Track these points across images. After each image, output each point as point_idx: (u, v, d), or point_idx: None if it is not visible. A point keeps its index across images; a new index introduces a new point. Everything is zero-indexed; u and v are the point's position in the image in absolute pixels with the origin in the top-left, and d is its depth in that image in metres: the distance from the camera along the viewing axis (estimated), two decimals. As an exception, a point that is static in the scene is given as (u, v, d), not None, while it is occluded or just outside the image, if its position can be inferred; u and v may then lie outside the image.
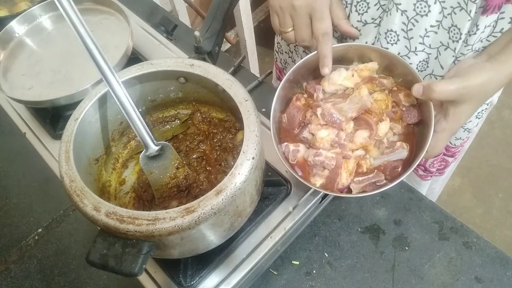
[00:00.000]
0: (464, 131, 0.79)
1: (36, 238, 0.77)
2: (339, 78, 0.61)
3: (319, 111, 0.59)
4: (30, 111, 0.89)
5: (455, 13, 0.57)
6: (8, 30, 0.91)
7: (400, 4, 0.58)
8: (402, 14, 0.59)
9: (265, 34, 2.45)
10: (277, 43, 0.82)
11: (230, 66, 0.94)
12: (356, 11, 0.63)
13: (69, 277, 0.72)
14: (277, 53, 0.86)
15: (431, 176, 0.92)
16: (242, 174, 0.47)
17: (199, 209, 0.45)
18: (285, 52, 0.81)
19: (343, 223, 0.73)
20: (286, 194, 0.68)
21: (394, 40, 0.64)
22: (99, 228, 0.47)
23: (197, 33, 0.64)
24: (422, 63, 0.67)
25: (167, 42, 0.97)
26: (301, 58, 0.77)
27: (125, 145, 0.67)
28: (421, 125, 0.59)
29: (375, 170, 0.58)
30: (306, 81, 0.66)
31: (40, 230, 0.77)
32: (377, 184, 0.57)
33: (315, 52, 0.61)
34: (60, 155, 0.51)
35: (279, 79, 0.91)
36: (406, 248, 0.70)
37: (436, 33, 0.61)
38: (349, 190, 0.58)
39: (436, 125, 0.55)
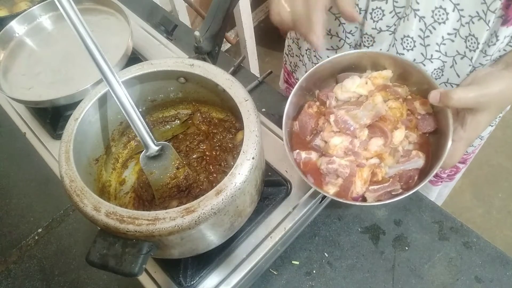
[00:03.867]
0: (479, 139, 0.78)
1: (36, 238, 0.77)
2: (352, 86, 0.60)
3: (332, 117, 0.58)
4: (30, 111, 0.89)
5: (473, 23, 0.56)
6: (8, 30, 0.91)
7: (418, 10, 0.57)
8: (420, 20, 0.58)
9: (265, 34, 2.45)
10: (288, 45, 0.82)
11: (230, 66, 0.94)
12: (371, 18, 0.62)
13: (69, 277, 0.72)
14: (287, 56, 0.85)
15: (441, 182, 0.91)
16: (242, 174, 0.47)
17: (199, 209, 0.45)
18: (296, 56, 0.81)
19: (343, 223, 0.73)
20: (286, 194, 0.68)
21: (410, 46, 0.63)
22: (99, 228, 0.47)
23: (197, 33, 0.64)
24: (437, 71, 0.67)
25: (167, 42, 0.97)
26: (312, 63, 0.77)
27: (125, 145, 0.67)
28: (437, 134, 0.58)
29: (391, 179, 0.56)
30: (318, 89, 0.65)
31: (40, 230, 0.77)
32: (393, 193, 0.55)
33: (328, 59, 0.59)
34: (60, 155, 0.51)
35: (287, 82, 0.91)
36: (406, 248, 0.70)
37: (452, 41, 0.60)
38: (364, 199, 0.57)
39: (453, 134, 0.53)
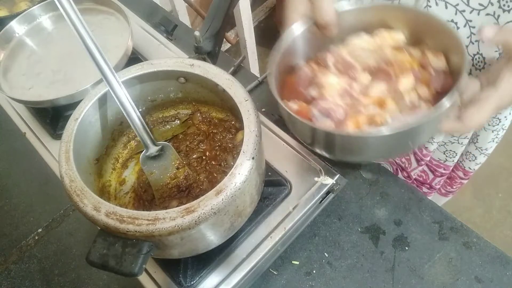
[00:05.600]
0: (484, 156, 0.77)
1: (36, 238, 0.77)
2: (360, 43, 0.52)
3: (330, 59, 0.50)
4: (30, 111, 0.89)
5: (483, 41, 0.53)
6: (8, 30, 0.91)
7: None
8: None
9: (265, 34, 2.45)
10: None
11: (230, 66, 0.94)
12: None
13: (69, 277, 0.72)
14: None
15: (452, 194, 0.92)
16: (242, 174, 0.47)
17: (199, 209, 0.45)
18: None
19: (343, 223, 0.73)
20: (286, 194, 0.68)
21: None
22: (99, 228, 0.47)
23: (197, 33, 0.64)
24: None
25: (167, 42, 0.97)
26: None
27: (125, 145, 0.67)
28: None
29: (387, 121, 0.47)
30: (312, 54, 0.55)
31: (40, 230, 0.77)
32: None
33: None
34: (60, 155, 0.51)
35: None
36: (406, 248, 0.70)
37: None
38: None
39: (482, 91, 0.46)
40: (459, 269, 0.67)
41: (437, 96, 0.48)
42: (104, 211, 0.45)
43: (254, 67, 1.99)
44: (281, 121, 0.77)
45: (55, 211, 0.79)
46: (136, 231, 0.44)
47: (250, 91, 0.91)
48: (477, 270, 0.67)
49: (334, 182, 0.69)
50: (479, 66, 0.57)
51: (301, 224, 0.68)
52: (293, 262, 0.69)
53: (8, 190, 0.84)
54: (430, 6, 0.54)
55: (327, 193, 0.70)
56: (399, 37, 0.52)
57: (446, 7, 0.53)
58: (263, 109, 0.88)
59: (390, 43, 0.52)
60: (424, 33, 0.50)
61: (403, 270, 0.68)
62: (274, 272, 0.69)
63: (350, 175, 0.79)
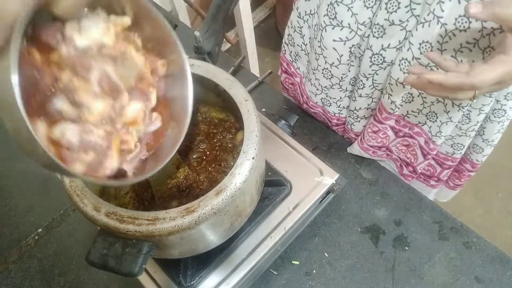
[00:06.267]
0: (490, 147, 0.77)
1: (36, 238, 0.77)
2: (96, 31, 0.45)
3: (95, 74, 0.44)
4: (30, 111, 0.89)
5: (494, 35, 0.54)
6: (8, 30, 0.91)
7: (442, 17, 0.55)
8: (441, 27, 0.57)
9: (265, 34, 2.46)
10: (288, 35, 0.81)
11: (230, 66, 0.94)
12: (386, 9, 0.60)
13: (69, 277, 0.72)
14: (287, 45, 0.84)
15: (460, 186, 0.92)
16: (242, 174, 0.47)
17: (199, 209, 0.45)
18: (297, 45, 0.80)
19: (343, 223, 0.73)
20: (286, 194, 0.68)
21: (427, 51, 0.61)
22: (99, 228, 0.47)
23: (197, 33, 0.64)
24: None
25: (167, 42, 0.97)
26: (315, 53, 0.75)
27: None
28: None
29: (138, 144, 0.46)
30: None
31: (40, 230, 0.77)
32: (142, 158, 0.46)
33: None
34: (60, 155, 0.51)
35: (286, 72, 0.90)
36: (406, 248, 0.70)
37: (470, 50, 0.58)
38: (123, 173, 0.44)
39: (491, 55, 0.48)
40: (459, 269, 0.67)
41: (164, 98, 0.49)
42: (104, 211, 0.45)
43: (254, 67, 1.99)
44: (281, 121, 0.77)
45: (55, 211, 0.79)
46: (136, 231, 0.44)
47: (250, 91, 0.91)
48: (477, 270, 0.67)
49: (334, 182, 0.69)
50: None
51: (301, 224, 0.68)
52: (293, 262, 0.70)
53: (8, 190, 0.84)
54: (443, 2, 0.54)
55: (327, 193, 0.70)
56: (127, 21, 0.46)
57: (459, 2, 0.53)
58: (263, 109, 0.88)
59: (118, 30, 0.46)
60: (141, 21, 0.47)
61: (403, 270, 0.68)
62: (274, 272, 0.69)
63: (350, 175, 0.79)
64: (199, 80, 0.59)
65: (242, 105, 0.53)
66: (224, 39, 1.84)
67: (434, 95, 0.53)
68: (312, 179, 0.69)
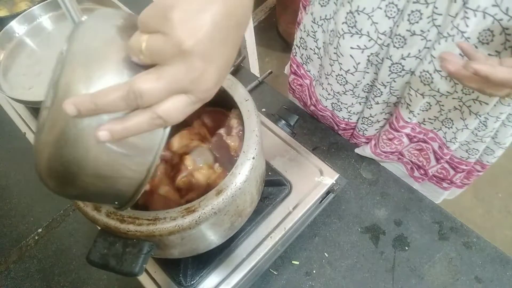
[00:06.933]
0: (501, 149, 0.77)
1: (36, 238, 0.77)
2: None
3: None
4: (30, 111, 0.89)
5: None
6: (8, 30, 0.91)
7: (465, 32, 0.55)
8: (465, 41, 0.56)
9: (265, 34, 2.45)
10: (301, 38, 0.80)
11: (230, 66, 0.94)
12: (408, 20, 0.59)
13: (69, 277, 0.72)
14: (298, 48, 0.84)
15: (468, 185, 0.91)
16: (242, 174, 0.47)
17: (200, 209, 0.45)
18: (310, 49, 0.79)
19: (343, 223, 0.73)
20: (286, 194, 0.68)
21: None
22: (100, 228, 0.47)
23: (197, 33, 0.64)
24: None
25: (167, 42, 0.97)
26: (330, 58, 0.74)
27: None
28: None
29: None
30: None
31: (40, 230, 0.77)
32: None
33: None
34: (60, 155, 0.51)
35: (295, 73, 0.89)
36: (406, 248, 0.70)
37: None
38: None
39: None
40: (459, 269, 0.67)
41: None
42: (104, 211, 0.45)
43: (254, 67, 1.99)
44: (281, 121, 0.77)
45: (55, 211, 0.79)
46: (136, 231, 0.44)
47: (250, 91, 0.91)
48: (477, 270, 0.67)
49: (334, 182, 0.69)
50: None
51: (301, 224, 0.68)
52: (293, 262, 0.70)
53: (8, 190, 0.84)
54: (468, 18, 0.54)
55: (327, 193, 0.70)
56: None
57: (484, 17, 0.53)
58: (263, 109, 0.88)
59: None
60: None
61: (403, 270, 0.68)
62: (274, 272, 0.69)
63: (350, 175, 0.79)
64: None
65: (243, 105, 0.53)
66: (224, 39, 1.83)
67: (471, 87, 0.51)
68: (312, 179, 0.69)
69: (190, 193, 0.53)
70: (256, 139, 0.50)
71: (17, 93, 0.83)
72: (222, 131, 0.58)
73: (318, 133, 0.86)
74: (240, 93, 0.55)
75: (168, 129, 0.35)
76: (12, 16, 0.93)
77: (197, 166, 0.55)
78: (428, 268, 0.68)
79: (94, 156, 0.33)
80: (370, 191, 0.77)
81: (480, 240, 0.70)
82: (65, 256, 0.74)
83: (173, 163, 0.56)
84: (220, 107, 0.66)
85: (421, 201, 0.75)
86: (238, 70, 0.96)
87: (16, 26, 0.92)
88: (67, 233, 0.76)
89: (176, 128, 0.66)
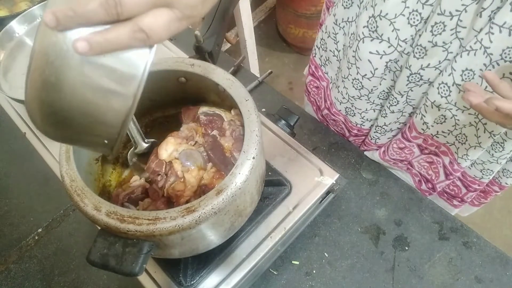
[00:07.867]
0: None
1: (36, 238, 0.77)
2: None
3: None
4: (30, 111, 0.89)
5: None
6: (8, 30, 0.91)
7: (489, 48, 0.54)
8: (487, 57, 0.56)
9: (265, 34, 2.46)
10: (321, 39, 0.80)
11: (230, 66, 0.94)
12: (431, 31, 0.58)
13: (69, 277, 0.72)
14: (318, 49, 0.83)
15: (484, 204, 0.91)
16: (242, 174, 0.47)
17: (200, 208, 0.45)
18: (330, 50, 0.78)
19: (343, 223, 0.73)
20: (286, 194, 0.68)
21: (469, 78, 0.60)
22: (100, 228, 0.47)
23: (197, 33, 0.64)
24: None
25: (167, 41, 0.97)
26: (348, 62, 0.73)
27: (125, 145, 0.67)
28: None
29: None
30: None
31: (40, 230, 0.77)
32: None
33: None
34: (60, 155, 0.51)
35: (313, 75, 0.89)
36: (406, 248, 0.70)
37: None
38: None
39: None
40: (459, 269, 0.67)
41: None
42: (104, 210, 0.45)
43: (254, 67, 1.99)
44: (281, 121, 0.77)
45: (55, 211, 0.79)
46: (136, 231, 0.44)
47: (250, 91, 0.91)
48: (477, 270, 0.67)
49: (334, 182, 0.69)
50: None
51: (301, 224, 0.68)
52: (293, 262, 0.70)
53: (8, 190, 0.84)
54: (492, 33, 0.53)
55: (327, 193, 0.70)
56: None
57: (510, 34, 0.52)
58: (263, 109, 0.88)
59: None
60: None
61: (403, 270, 0.68)
62: (274, 272, 0.69)
63: (350, 175, 0.79)
64: (200, 80, 0.59)
65: (243, 105, 0.53)
66: (224, 39, 1.84)
67: (491, 121, 0.51)
68: (312, 179, 0.69)
69: (181, 199, 0.54)
70: (256, 139, 0.50)
71: (17, 93, 0.83)
72: (215, 132, 0.59)
73: (318, 133, 0.86)
74: (240, 93, 0.55)
75: (153, 53, 0.34)
76: (12, 16, 0.93)
77: (187, 168, 0.55)
78: (428, 268, 0.68)
79: (80, 86, 0.33)
80: (370, 191, 0.77)
81: (480, 240, 0.70)
82: (65, 256, 0.74)
83: (157, 182, 0.56)
84: (220, 107, 0.66)
85: (421, 201, 0.75)
86: (238, 70, 0.96)
87: (16, 26, 0.92)
88: (67, 233, 0.76)
89: (163, 134, 0.66)
